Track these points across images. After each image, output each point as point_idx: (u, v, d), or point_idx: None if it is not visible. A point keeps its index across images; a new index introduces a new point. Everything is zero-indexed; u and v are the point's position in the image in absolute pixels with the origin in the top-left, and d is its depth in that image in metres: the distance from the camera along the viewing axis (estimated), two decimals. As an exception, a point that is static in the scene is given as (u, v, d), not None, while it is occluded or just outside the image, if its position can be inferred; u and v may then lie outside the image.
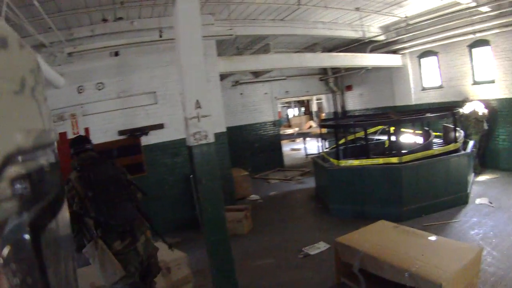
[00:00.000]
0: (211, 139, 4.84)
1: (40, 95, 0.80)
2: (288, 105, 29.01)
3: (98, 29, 8.44)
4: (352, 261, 4.94)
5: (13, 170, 0.64)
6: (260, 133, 15.22)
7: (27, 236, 0.69)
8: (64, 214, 0.89)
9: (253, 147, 14.83)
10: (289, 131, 22.24)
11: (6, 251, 0.61)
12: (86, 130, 8.50)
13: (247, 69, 11.48)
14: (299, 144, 21.08)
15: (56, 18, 7.50)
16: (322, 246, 6.84)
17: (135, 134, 8.73)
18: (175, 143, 8.96)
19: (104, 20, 8.34)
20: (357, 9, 10.19)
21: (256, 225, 8.42)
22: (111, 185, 3.95)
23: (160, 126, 8.90)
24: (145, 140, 8.86)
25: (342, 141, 10.92)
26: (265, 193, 11.52)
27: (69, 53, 7.82)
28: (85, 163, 3.98)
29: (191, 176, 8.25)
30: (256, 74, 14.17)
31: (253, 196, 11.11)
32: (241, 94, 14.84)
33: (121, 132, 8.65)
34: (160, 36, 7.96)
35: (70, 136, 8.38)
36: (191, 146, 4.80)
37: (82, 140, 4.24)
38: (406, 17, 11.17)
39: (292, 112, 30.88)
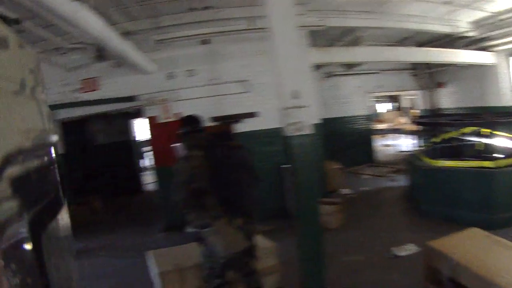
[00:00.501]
0: (309, 130, 4.75)
1: (40, 95, 0.77)
2: (380, 99, 28.22)
3: (186, 18, 8.58)
4: (442, 268, 4.64)
5: (13, 170, 0.61)
6: (352, 127, 14.88)
7: (27, 236, 0.66)
8: (64, 214, 0.86)
9: (345, 141, 14.45)
10: (381, 126, 21.70)
11: (6, 251, 0.58)
12: (177, 115, 8.64)
13: (339, 61, 11.30)
14: (390, 140, 20.51)
15: (144, 7, 7.78)
16: (411, 248, 6.52)
17: (227, 121, 8.81)
18: (267, 132, 8.93)
19: (192, 9, 8.46)
20: (446, 3, 9.64)
21: (348, 220, 8.21)
22: (232, 166, 4.08)
23: (252, 115, 8.95)
24: (237, 128, 8.94)
25: (435, 140, 10.42)
26: (357, 188, 11.25)
27: (158, 41, 8.08)
28: (205, 142, 4.15)
29: (283, 166, 8.27)
30: (349, 66, 13.94)
31: (345, 190, 10.87)
32: (334, 86, 14.54)
33: (213, 119, 8.76)
34: (251, 26, 7.94)
35: (161, 120, 8.81)
36: (288, 136, 4.74)
37: (196, 120, 4.35)
38: (497, 12, 10.38)
39: (384, 107, 30.06)
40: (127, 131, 15.19)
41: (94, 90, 9.19)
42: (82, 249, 8.43)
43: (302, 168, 4.77)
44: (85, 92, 9.25)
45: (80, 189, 12.95)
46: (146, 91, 8.89)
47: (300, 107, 4.68)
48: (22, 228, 0.65)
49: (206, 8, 8.51)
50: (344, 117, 14.73)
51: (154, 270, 5.29)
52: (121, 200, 13.62)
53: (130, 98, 9.04)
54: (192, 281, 4.96)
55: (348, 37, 11.66)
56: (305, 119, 4.73)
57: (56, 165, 0.77)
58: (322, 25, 8.56)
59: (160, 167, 9.28)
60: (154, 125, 9.02)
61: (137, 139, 15.95)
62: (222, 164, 4.01)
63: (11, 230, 0.63)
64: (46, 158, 0.74)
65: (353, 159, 14.25)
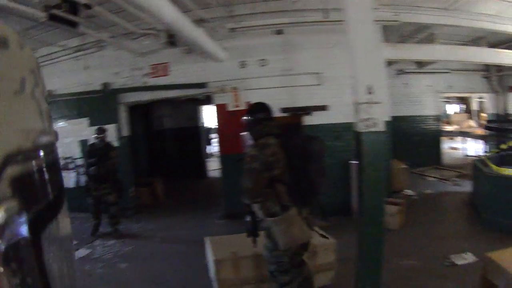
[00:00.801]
0: (381, 127, 4.61)
1: (40, 94, 0.68)
2: (449, 100, 27.35)
3: (260, 7, 8.54)
4: (499, 282, 4.38)
5: (13, 170, 0.55)
6: (420, 127, 14.41)
7: (27, 236, 0.59)
8: (64, 214, 0.78)
9: (412, 140, 14.07)
10: (449, 128, 21.02)
11: (6, 251, 0.57)
12: (247, 104, 8.57)
13: (411, 58, 11.02)
14: (457, 142, 19.66)
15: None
16: (469, 257, 6.19)
17: (298, 112, 8.68)
18: (336, 126, 8.75)
19: (265, -1, 8.36)
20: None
21: (407, 222, 7.95)
22: (307, 156, 3.95)
23: (323, 108, 8.76)
24: (307, 120, 8.78)
25: (504, 146, 9.93)
26: (420, 190, 10.86)
27: (231, 29, 8.10)
28: (279, 131, 4.06)
29: (350, 161, 8.08)
30: (420, 64, 13.49)
31: (408, 191, 10.53)
32: (405, 84, 14.12)
33: (283, 110, 8.65)
34: (325, 17, 7.78)
35: (231, 108, 8.85)
36: (360, 132, 4.62)
37: (268, 108, 4.24)
38: None
39: (452, 108, 28.99)
40: (195, 117, 15.37)
41: (164, 75, 9.32)
42: (139, 231, 8.68)
43: (370, 166, 4.61)
44: (155, 77, 9.38)
45: (144, 172, 13.31)
46: (216, 78, 8.92)
47: (373, 103, 4.53)
48: (22, 228, 0.60)
49: (281, -3, 8.39)
50: (413, 116, 14.29)
51: (210, 257, 5.35)
52: (184, 184, 13.84)
53: (200, 85, 9.07)
54: (247, 271, 5.00)
55: (421, 34, 11.33)
56: (378, 116, 4.57)
57: (56, 165, 0.72)
58: (396, 21, 8.30)
59: (225, 155, 9.31)
60: (223, 113, 9.05)
61: (204, 125, 16.18)
62: (297, 154, 3.89)
63: (11, 230, 0.57)
64: (46, 158, 0.69)
65: (419, 160, 13.80)
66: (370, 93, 4.54)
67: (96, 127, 8.68)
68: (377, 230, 4.74)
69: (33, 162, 0.67)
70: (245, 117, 4.21)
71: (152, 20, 7.48)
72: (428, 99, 14.48)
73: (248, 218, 4.04)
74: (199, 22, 7.81)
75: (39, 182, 0.70)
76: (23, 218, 0.65)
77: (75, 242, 7.86)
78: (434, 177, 12.54)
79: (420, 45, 10.70)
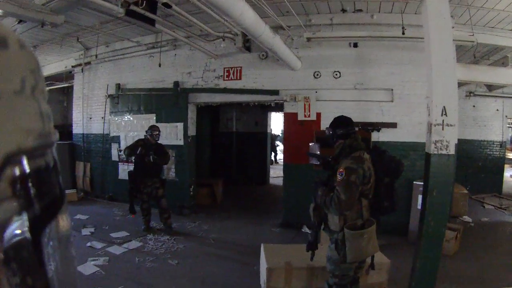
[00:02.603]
0: (452, 150, 4.57)
1: (40, 95, 0.66)
2: (514, 126, 26.60)
3: (337, 19, 8.47)
4: None
5: (13, 170, 0.60)
6: (484, 152, 13.97)
7: (27, 236, 0.64)
8: (64, 214, 0.77)
9: (475, 165, 13.69)
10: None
11: (6, 251, 0.58)
12: (318, 115, 8.72)
13: (484, 80, 10.65)
14: (520, 171, 19.05)
15: (295, 3, 7.77)
16: None
17: (367, 128, 8.58)
18: (404, 145, 8.60)
19: (343, 10, 8.32)
20: None
21: (462, 249, 7.72)
22: (392, 175, 4.05)
23: (393, 125, 8.58)
24: (375, 136, 8.65)
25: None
26: (477, 217, 10.53)
27: (308, 38, 8.06)
28: (367, 147, 4.13)
29: (416, 182, 7.94)
30: (489, 87, 13.14)
31: (466, 218, 10.24)
32: (474, 106, 13.75)
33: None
34: (403, 33, 7.66)
35: (301, 117, 8.79)
36: (430, 153, 4.57)
37: (351, 122, 4.24)
38: None
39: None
40: (262, 123, 15.48)
41: (237, 79, 9.38)
42: (193, 230, 8.75)
43: (437, 189, 4.62)
44: (227, 80, 9.46)
45: (206, 172, 13.46)
46: (289, 87, 8.89)
47: (447, 124, 4.54)
48: (22, 228, 0.59)
49: (358, 10, 8.34)
50: (478, 140, 13.89)
51: (263, 264, 5.36)
52: (244, 189, 13.94)
53: (272, 92, 9.05)
54: (298, 282, 5.00)
55: (494, 56, 11.05)
56: (450, 138, 4.58)
57: (57, 165, 0.72)
58: (472, 41, 8.07)
59: (289, 163, 9.26)
60: (292, 122, 9.00)
61: (271, 132, 16.29)
62: (385, 171, 3.97)
63: (11, 230, 0.60)
64: (46, 158, 0.68)
65: (479, 186, 13.41)
66: (444, 114, 4.51)
67: (159, 123, 8.98)
68: (435, 254, 4.75)
69: (33, 162, 0.67)
70: (330, 129, 4.22)
71: (229, 23, 7.54)
72: (495, 124, 14.01)
73: (305, 229, 4.12)
74: (276, 29, 7.82)
75: (39, 182, 0.70)
76: (23, 218, 0.64)
77: (127, 234, 8.01)
78: (493, 205, 12.13)
79: (494, 68, 10.33)
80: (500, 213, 11.31)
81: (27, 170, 0.65)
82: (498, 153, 14.13)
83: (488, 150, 14.02)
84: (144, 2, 6.35)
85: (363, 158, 3.87)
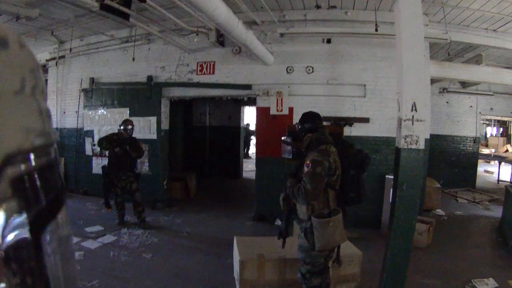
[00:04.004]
0: (422, 145, 4.67)
1: (40, 94, 0.69)
2: (488, 123, 27.02)
3: (311, 14, 8.55)
4: None
5: (13, 170, 0.61)
6: (458, 147, 14.22)
7: (27, 236, 0.65)
8: (64, 214, 0.80)
9: (448, 160, 13.93)
10: (485, 151, 20.73)
11: (6, 251, 0.59)
12: (290, 109, 8.77)
13: (457, 77, 10.88)
14: (493, 166, 19.38)
15: (269, -1, 7.78)
16: (491, 283, 6.07)
17: (339, 123, 8.66)
18: (376, 140, 8.71)
19: (318, 7, 8.37)
20: None
21: (434, 241, 7.87)
22: (359, 167, 4.21)
23: (365, 120, 8.68)
24: (348, 131, 8.73)
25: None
26: (450, 211, 10.70)
27: (281, 34, 8.08)
28: (334, 140, 4.24)
29: (387, 176, 8.08)
30: (463, 84, 13.33)
31: (439, 211, 10.39)
32: (447, 103, 13.97)
33: (325, 118, 8.44)
34: (376, 30, 7.73)
35: (273, 112, 8.88)
36: (400, 148, 4.66)
37: (319, 117, 4.41)
38: None
39: (489, 131, 28.71)
40: (235, 117, 15.57)
41: (210, 73, 9.38)
42: (167, 224, 8.76)
43: (407, 182, 4.69)
44: (201, 74, 9.46)
45: (179, 166, 13.44)
46: (262, 81, 8.94)
47: (417, 120, 4.61)
48: (22, 228, 0.62)
49: (332, 7, 8.41)
50: (451, 135, 14.12)
51: (236, 256, 5.44)
52: (217, 182, 14.01)
53: (245, 86, 9.06)
54: (271, 274, 5.08)
55: (468, 54, 11.21)
56: (420, 134, 4.65)
57: (56, 165, 0.73)
58: (445, 39, 8.17)
59: (261, 157, 9.31)
60: (265, 116, 9.05)
61: (248, 126, 16.27)
62: (351, 163, 4.13)
63: (11, 230, 0.61)
64: (46, 158, 0.70)
65: (452, 180, 13.69)
66: (414, 110, 4.59)
67: (133, 117, 8.97)
68: (406, 246, 4.82)
69: (33, 162, 0.69)
70: (300, 124, 4.38)
71: (203, 18, 7.54)
72: (469, 120, 14.29)
73: (278, 222, 4.22)
74: (250, 24, 7.87)
75: (39, 182, 0.72)
76: (23, 218, 0.65)
77: (101, 228, 8.00)
78: (466, 199, 12.32)
79: (467, 65, 10.54)
80: (473, 207, 11.52)
81: (27, 170, 0.66)
82: (471, 148, 14.40)
83: (462, 145, 14.28)
84: (119, -4, 6.34)
85: (329, 151, 4.01)
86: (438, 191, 10.79)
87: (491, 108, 14.85)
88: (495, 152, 20.65)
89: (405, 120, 4.60)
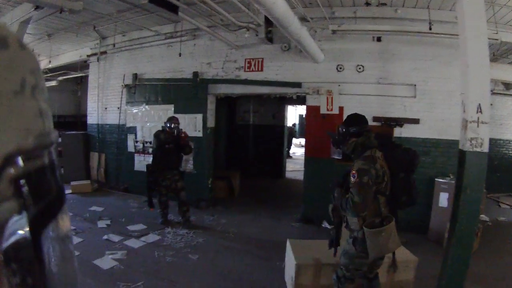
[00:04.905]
0: (486, 148, 4.53)
1: (41, 95, 0.63)
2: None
3: (360, 12, 8.37)
4: None
5: (13, 170, 0.61)
6: (501, 151, 13.92)
7: (27, 236, 0.66)
8: (64, 214, 0.85)
9: (490, 164, 13.31)
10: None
11: (6, 251, 0.59)
12: (340, 109, 8.59)
13: (503, 78, 10.62)
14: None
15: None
16: None
17: (390, 123, 8.48)
18: (425, 142, 8.52)
19: (367, 4, 8.23)
20: None
21: (480, 248, 7.64)
22: (408, 169, 4.04)
23: (415, 121, 8.48)
24: (397, 132, 8.55)
25: None
26: (494, 216, 10.51)
27: (333, 31, 7.97)
28: (380, 142, 4.08)
29: (438, 179, 7.97)
30: (508, 86, 13.04)
31: (483, 216, 10.12)
32: (491, 105, 13.53)
33: (375, 118, 8.48)
34: (430, 29, 7.56)
35: (323, 111, 8.71)
36: (465, 151, 4.51)
37: (365, 120, 4.21)
38: None
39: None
40: (280, 116, 15.45)
41: (258, 70, 9.30)
42: (212, 224, 8.68)
43: (470, 186, 4.57)
44: (248, 71, 9.39)
45: (222, 165, 13.40)
46: (311, 79, 8.81)
47: (482, 122, 4.50)
48: (22, 228, 0.63)
49: (382, 4, 8.23)
50: (494, 138, 13.66)
51: (290, 260, 5.28)
52: (260, 182, 13.92)
53: (294, 84, 8.95)
54: (326, 279, 4.93)
55: (512, 55, 10.98)
56: (485, 136, 4.54)
57: (55, 166, 0.70)
58: (496, 39, 7.94)
59: (310, 157, 9.16)
60: (314, 115, 8.92)
61: (293, 125, 16.21)
62: (399, 166, 3.98)
63: (11, 230, 0.61)
64: (46, 158, 0.66)
65: (496, 185, 13.27)
66: (479, 111, 4.46)
67: (177, 115, 8.79)
68: (466, 252, 4.73)
69: (33, 162, 0.64)
70: (344, 128, 4.17)
71: (252, 13, 7.44)
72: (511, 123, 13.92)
73: (325, 224, 4.09)
74: (300, 20, 7.75)
75: (40, 182, 0.69)
76: (23, 218, 0.64)
77: (144, 227, 7.96)
78: (509, 205, 12.09)
79: None
80: (515, 212, 11.13)
81: (27, 169, 0.66)
82: (515, 152, 13.96)
83: (504, 149, 13.97)
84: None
85: (374, 157, 3.88)
86: (483, 196, 10.55)
87: (537, 110, 14.40)
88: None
89: (470, 122, 4.49)
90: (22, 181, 0.62)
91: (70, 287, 0.89)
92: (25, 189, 0.64)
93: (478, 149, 4.52)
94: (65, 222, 0.81)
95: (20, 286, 0.62)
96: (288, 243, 5.61)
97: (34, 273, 0.68)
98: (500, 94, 13.50)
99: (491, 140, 12.29)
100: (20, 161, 0.61)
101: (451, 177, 7.85)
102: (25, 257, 0.66)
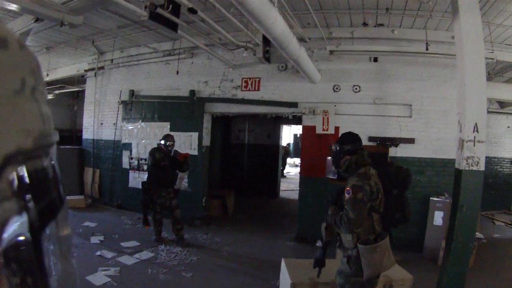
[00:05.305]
0: (482, 166, 4.59)
1: (41, 95, 0.76)
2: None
3: (358, 32, 8.47)
4: None
5: (13, 170, 0.62)
6: (495, 169, 13.99)
7: (27, 236, 0.66)
8: (64, 214, 0.87)
9: (485, 182, 13.42)
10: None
11: (6, 251, 0.59)
12: (336, 129, 8.66)
13: (497, 97, 10.76)
14: (528, 188, 19.09)
15: (317, 15, 7.67)
16: None
17: (385, 143, 8.56)
18: (421, 161, 8.58)
19: (365, 24, 8.28)
20: None
21: (475, 265, 7.62)
22: (401, 186, 4.06)
23: (411, 141, 8.56)
24: (393, 152, 8.63)
25: None
26: (488, 234, 10.51)
27: (331, 51, 8.06)
28: (373, 161, 4.10)
29: (433, 198, 8.01)
30: (502, 104, 13.13)
31: (477, 234, 10.14)
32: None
33: (371, 138, 8.57)
34: (427, 49, 7.63)
35: (319, 131, 8.79)
36: (461, 170, 4.55)
37: (358, 138, 4.23)
38: None
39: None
40: (275, 135, 15.51)
41: (255, 90, 9.35)
42: (205, 242, 8.63)
43: (467, 205, 4.69)
44: (245, 90, 9.45)
45: (217, 184, 13.39)
46: (308, 99, 8.91)
47: (478, 141, 4.64)
48: (22, 228, 0.65)
49: (379, 25, 8.32)
50: (489, 157, 13.58)
51: (285, 279, 5.26)
52: (255, 201, 13.90)
53: (291, 104, 9.03)
54: None
55: (508, 73, 11.04)
56: (481, 155, 4.68)
57: (55, 166, 0.71)
58: (492, 58, 8.02)
59: (306, 177, 9.20)
60: (310, 135, 8.99)
61: (281, 145, 16.27)
62: (393, 184, 4.00)
63: (11, 230, 0.62)
64: (46, 158, 0.68)
65: (489, 202, 13.22)
66: (476, 131, 4.53)
67: (172, 132, 8.93)
68: (462, 269, 4.84)
69: (33, 163, 0.69)
70: (338, 146, 4.20)
71: (251, 33, 7.48)
72: (506, 141, 14.06)
73: (319, 243, 4.09)
74: (299, 41, 7.80)
75: (39, 182, 0.72)
76: (23, 218, 0.65)
77: (137, 244, 7.92)
78: (503, 222, 12.14)
79: (508, 85, 10.58)
80: (510, 230, 11.38)
81: (27, 170, 0.67)
82: (508, 170, 14.13)
83: (499, 166, 14.04)
84: (170, 5, 6.28)
85: (368, 174, 3.90)
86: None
87: (529, 129, 14.50)
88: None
89: (467, 141, 4.55)
90: (22, 182, 0.63)
91: (70, 287, 0.90)
92: (25, 189, 0.65)
93: (475, 168, 4.59)
94: (65, 222, 0.82)
95: (20, 286, 0.63)
96: (283, 262, 5.59)
97: (34, 273, 0.69)
98: (495, 112, 13.58)
99: (485, 158, 12.45)
100: (20, 162, 0.62)
101: (446, 195, 7.89)
102: (25, 257, 0.66)
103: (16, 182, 0.62)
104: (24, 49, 0.69)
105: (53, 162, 0.78)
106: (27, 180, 0.64)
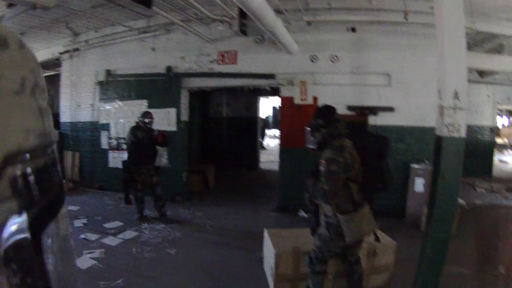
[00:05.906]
0: (463, 133, 4.57)
1: (40, 94, 0.76)
2: (500, 113, 27.28)
3: (335, 2, 8.38)
4: None
5: (13, 170, 0.62)
6: (475, 136, 14.14)
7: (27, 236, 0.66)
8: (64, 213, 0.88)
9: (465, 149, 13.70)
10: (499, 140, 20.78)
11: (6, 251, 0.59)
12: (315, 99, 8.68)
13: (478, 67, 10.79)
14: (507, 156, 19.60)
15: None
16: None
17: (364, 112, 8.59)
18: (400, 129, 8.66)
19: (343, -6, 8.24)
20: None
21: (459, 231, 7.60)
22: (379, 155, 4.23)
23: (390, 109, 8.63)
24: (372, 120, 8.67)
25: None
26: (470, 200, 10.55)
27: (308, 22, 8.10)
28: (351, 131, 4.19)
29: (413, 165, 8.08)
30: (481, 74, 13.23)
31: (460, 200, 10.29)
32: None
33: (350, 107, 8.61)
34: (406, 19, 7.63)
35: (297, 101, 8.81)
36: (442, 137, 4.55)
37: (331, 111, 4.29)
38: None
39: (502, 121, 28.87)
40: (253, 108, 15.59)
41: (232, 63, 9.29)
42: (188, 217, 8.64)
43: (448, 171, 4.58)
44: (222, 64, 9.39)
45: (196, 158, 13.38)
46: (285, 70, 8.88)
47: (459, 108, 4.50)
48: (22, 228, 0.65)
49: (358, -6, 8.27)
50: (468, 125, 13.82)
51: (269, 249, 5.29)
52: (235, 174, 14.02)
53: (268, 76, 9.00)
54: (306, 267, 4.83)
55: (488, 44, 11.07)
56: (462, 122, 4.55)
57: (57, 165, 0.71)
58: (472, 28, 8.08)
59: (285, 148, 9.24)
60: (288, 106, 8.99)
61: (260, 116, 16.35)
62: (370, 153, 4.12)
63: (11, 230, 0.62)
64: (46, 158, 0.67)
65: (470, 169, 13.39)
66: (456, 98, 4.51)
67: (152, 109, 8.80)
68: (445, 235, 4.74)
69: (34, 162, 0.69)
70: (313, 120, 4.26)
71: (226, 6, 7.41)
72: (485, 109, 14.25)
73: (302, 213, 4.09)
74: (276, 13, 7.74)
75: (40, 182, 0.72)
76: (23, 218, 0.65)
77: (120, 224, 7.90)
78: (484, 188, 12.36)
79: (488, 55, 10.52)
80: (492, 196, 11.54)
81: (27, 169, 0.66)
82: (488, 137, 14.35)
83: (478, 134, 14.23)
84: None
85: (343, 146, 3.98)
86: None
87: (508, 98, 14.75)
88: (509, 142, 20.69)
89: (447, 108, 4.52)
90: (22, 181, 0.63)
91: (70, 286, 0.87)
92: (25, 188, 0.64)
93: (455, 135, 4.56)
94: (65, 221, 0.79)
95: (20, 286, 0.62)
96: (265, 233, 5.61)
97: (34, 273, 0.68)
98: (475, 82, 13.67)
99: (466, 126, 12.62)
100: (20, 161, 0.59)
101: (427, 163, 7.94)
102: (25, 257, 0.66)
103: (16, 182, 0.60)
104: (24, 48, 0.66)
105: (54, 160, 0.74)
106: (27, 179, 0.63)
